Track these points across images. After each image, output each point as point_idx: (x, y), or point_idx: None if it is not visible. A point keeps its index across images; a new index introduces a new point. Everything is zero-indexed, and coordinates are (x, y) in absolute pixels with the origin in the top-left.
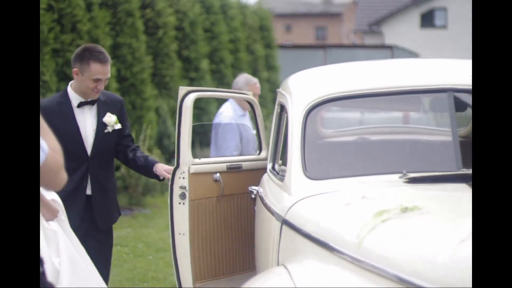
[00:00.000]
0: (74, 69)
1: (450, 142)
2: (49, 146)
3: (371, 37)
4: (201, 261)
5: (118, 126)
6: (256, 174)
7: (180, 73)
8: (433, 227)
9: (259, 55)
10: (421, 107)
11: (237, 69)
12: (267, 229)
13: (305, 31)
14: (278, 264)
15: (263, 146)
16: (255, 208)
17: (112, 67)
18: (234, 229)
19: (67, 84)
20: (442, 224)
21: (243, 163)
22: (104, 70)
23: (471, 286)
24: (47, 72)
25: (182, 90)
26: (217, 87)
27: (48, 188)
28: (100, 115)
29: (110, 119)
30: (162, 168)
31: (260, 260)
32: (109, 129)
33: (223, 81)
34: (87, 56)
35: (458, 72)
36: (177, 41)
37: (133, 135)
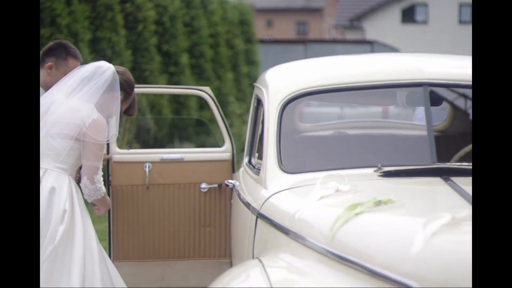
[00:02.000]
0: (49, 63)
1: (426, 136)
2: None
3: (352, 33)
4: (120, 243)
5: None
6: (207, 165)
7: (159, 67)
8: (406, 220)
9: (239, 49)
10: (400, 102)
11: (217, 63)
12: (242, 222)
13: (286, 26)
14: (253, 257)
15: (224, 138)
16: (232, 201)
17: (91, 62)
18: (167, 217)
19: None
20: (414, 217)
21: (187, 155)
22: (78, 66)
23: (442, 278)
24: None
25: None
26: (196, 81)
27: None
28: None
29: None
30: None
31: (236, 253)
32: None
33: (202, 76)
34: (64, 51)
35: (434, 66)
36: (157, 35)
37: None
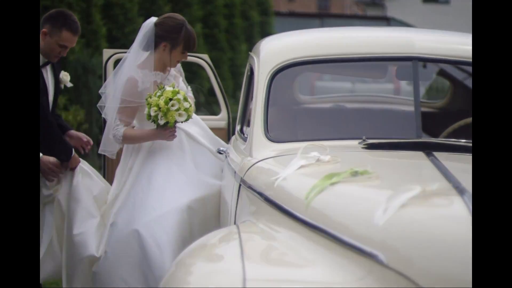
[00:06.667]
0: (43, 29)
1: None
2: None
3: (373, 9)
4: None
5: (70, 84)
6: None
7: None
8: (377, 191)
9: (254, 21)
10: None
11: (231, 34)
12: (228, 188)
13: (307, 0)
14: (235, 224)
15: (221, 106)
16: (223, 168)
17: (103, 27)
18: None
19: None
20: (386, 188)
21: None
22: (73, 40)
23: (408, 249)
24: None
25: (106, 52)
26: (209, 51)
27: None
28: (55, 73)
29: (66, 77)
30: None
31: (223, 220)
32: (62, 86)
33: (216, 46)
34: (61, 21)
35: (425, 41)
36: (170, 3)
37: None
